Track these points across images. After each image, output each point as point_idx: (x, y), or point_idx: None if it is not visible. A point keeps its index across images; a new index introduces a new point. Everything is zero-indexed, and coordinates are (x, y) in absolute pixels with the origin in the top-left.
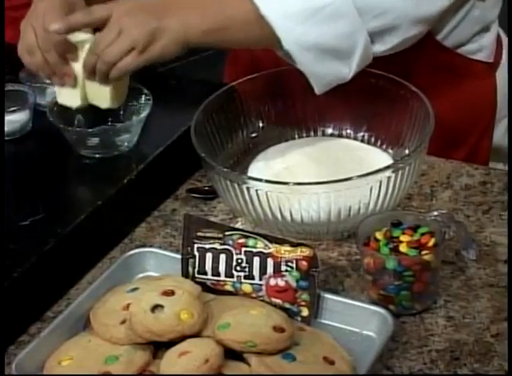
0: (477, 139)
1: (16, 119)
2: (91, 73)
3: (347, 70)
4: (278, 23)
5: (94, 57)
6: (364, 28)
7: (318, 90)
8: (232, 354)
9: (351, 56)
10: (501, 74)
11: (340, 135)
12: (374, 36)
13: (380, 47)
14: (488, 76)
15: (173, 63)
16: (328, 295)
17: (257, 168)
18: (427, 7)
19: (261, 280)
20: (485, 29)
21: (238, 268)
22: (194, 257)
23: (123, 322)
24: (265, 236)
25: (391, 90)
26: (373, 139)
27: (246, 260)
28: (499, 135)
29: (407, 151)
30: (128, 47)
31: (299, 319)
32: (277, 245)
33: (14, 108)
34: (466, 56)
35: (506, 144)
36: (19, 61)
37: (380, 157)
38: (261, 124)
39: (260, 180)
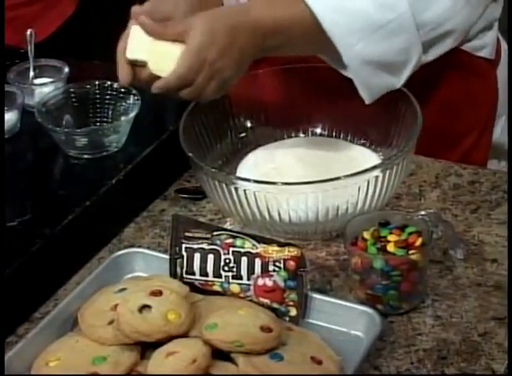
0: (478, 136)
1: (4, 119)
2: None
3: (397, 81)
4: (340, 39)
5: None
6: (420, 41)
7: (367, 100)
8: (219, 354)
9: (404, 68)
10: (500, 72)
11: (329, 135)
12: (427, 46)
13: (430, 56)
14: (490, 73)
15: None
16: (316, 295)
17: (246, 168)
18: (475, 15)
19: (249, 280)
20: (489, 26)
21: (226, 268)
22: (182, 257)
23: (110, 322)
24: (252, 236)
25: None
26: (361, 140)
27: (234, 260)
28: (497, 132)
29: (396, 151)
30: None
31: (287, 319)
32: (265, 245)
33: None
34: (471, 53)
35: (502, 141)
36: (7, 61)
37: (369, 157)
38: (249, 125)
39: (248, 180)
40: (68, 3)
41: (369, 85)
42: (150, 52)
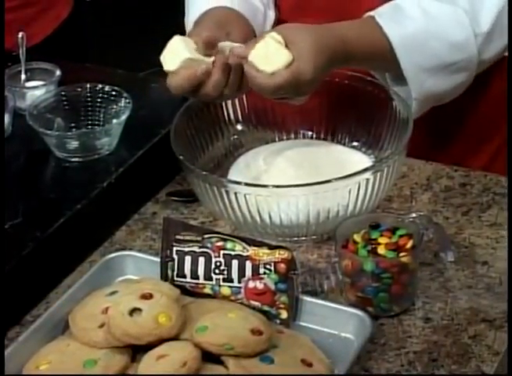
0: (502, 142)
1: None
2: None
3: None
4: (413, 77)
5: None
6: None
7: (415, 116)
8: (210, 357)
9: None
10: None
11: (320, 138)
12: None
13: None
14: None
15: (154, 67)
16: (307, 298)
17: (238, 170)
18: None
19: (239, 282)
20: None
21: (217, 271)
22: (173, 260)
23: (101, 325)
24: (243, 239)
25: (372, 93)
26: (353, 142)
27: (225, 263)
28: None
29: (387, 153)
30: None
31: (278, 321)
32: (255, 248)
33: None
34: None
35: None
36: None
37: (361, 160)
38: (240, 128)
39: (239, 183)
40: (63, 6)
41: (425, 108)
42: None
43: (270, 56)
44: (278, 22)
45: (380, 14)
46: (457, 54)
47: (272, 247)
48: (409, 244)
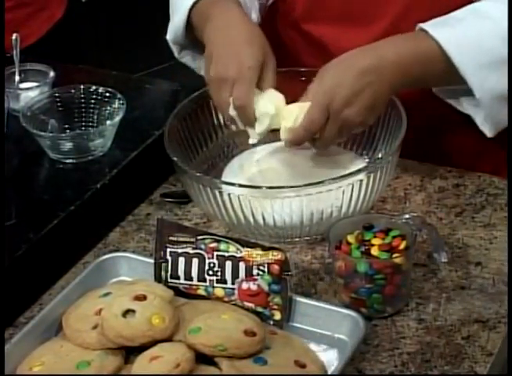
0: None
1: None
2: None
3: None
4: (471, 73)
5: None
6: None
7: (491, 133)
8: (203, 358)
9: None
10: None
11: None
12: None
13: None
14: None
15: (148, 69)
16: (300, 299)
17: (231, 172)
18: None
19: (233, 284)
20: None
21: (210, 272)
22: (167, 261)
23: (95, 327)
24: (236, 240)
25: None
26: (348, 144)
27: (219, 264)
28: None
29: (381, 154)
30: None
31: (271, 322)
32: (249, 249)
33: None
34: None
35: None
36: None
37: (355, 161)
38: (234, 129)
39: (232, 184)
40: (57, 7)
41: (497, 119)
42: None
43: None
44: (291, 25)
45: (426, 24)
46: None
47: (265, 249)
48: (403, 245)
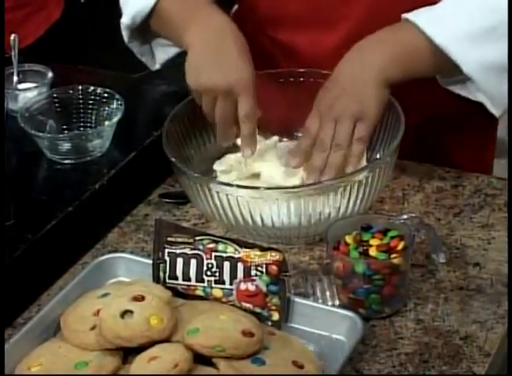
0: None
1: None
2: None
3: None
4: (454, 48)
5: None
6: None
7: (498, 113)
8: (201, 359)
9: None
10: None
11: None
12: None
13: None
14: None
15: (147, 69)
16: (298, 299)
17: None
18: None
19: (231, 284)
20: None
21: (208, 273)
22: (165, 262)
23: (93, 328)
24: (235, 241)
25: None
26: None
27: (217, 265)
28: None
29: (379, 155)
30: (349, 134)
31: (269, 323)
32: (247, 250)
33: None
34: None
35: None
36: None
37: None
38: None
39: (230, 185)
40: (54, 7)
41: (499, 95)
42: None
43: None
44: (259, 32)
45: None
46: (494, 17)
47: (263, 249)
48: (401, 246)
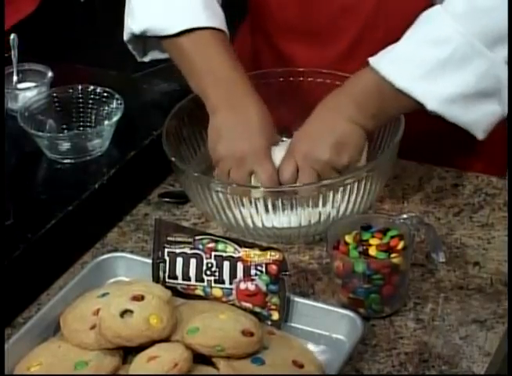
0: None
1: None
2: None
3: (500, 107)
4: (415, 89)
5: None
6: (501, 59)
7: (480, 136)
8: (201, 358)
9: (499, 91)
10: None
11: None
12: None
13: None
14: None
15: (147, 69)
16: (298, 299)
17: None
18: None
19: (231, 284)
20: None
21: (208, 272)
22: (165, 261)
23: (93, 327)
24: (234, 241)
25: None
26: None
27: (217, 264)
28: None
29: (379, 154)
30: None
31: (269, 323)
32: (247, 249)
33: None
34: None
35: None
36: None
37: None
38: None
39: (230, 184)
40: (25, 1)
41: (471, 122)
42: None
43: None
44: (265, 40)
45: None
46: (444, 48)
47: (263, 249)
48: (401, 245)
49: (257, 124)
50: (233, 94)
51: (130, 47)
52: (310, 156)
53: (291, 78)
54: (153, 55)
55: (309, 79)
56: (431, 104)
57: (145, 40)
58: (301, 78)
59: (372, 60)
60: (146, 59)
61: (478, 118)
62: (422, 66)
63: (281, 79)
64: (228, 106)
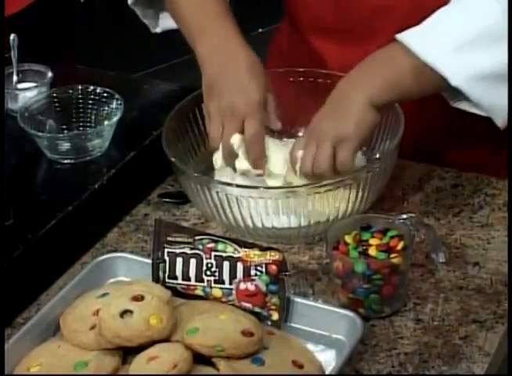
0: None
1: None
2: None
3: None
4: (439, 62)
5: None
6: None
7: (500, 123)
8: (201, 359)
9: None
10: None
11: None
12: None
13: None
14: None
15: (147, 69)
16: (298, 299)
17: (230, 172)
18: None
19: (231, 284)
20: None
21: (208, 272)
22: (164, 262)
23: (92, 327)
24: (234, 241)
25: None
26: None
27: (216, 264)
28: None
29: (378, 154)
30: (329, 158)
31: (269, 323)
32: (247, 249)
33: None
34: None
35: None
36: None
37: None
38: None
39: (230, 185)
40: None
41: (495, 105)
42: None
43: None
44: (299, 37)
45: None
46: (479, 22)
47: (263, 249)
48: (400, 245)
49: (249, 75)
50: (222, 45)
51: (139, 14)
52: (332, 133)
53: (291, 78)
54: (164, 24)
55: (310, 79)
56: (456, 80)
57: (153, 5)
58: (301, 78)
59: (398, 35)
60: (159, 29)
61: (501, 103)
62: (453, 39)
63: (280, 79)
64: (218, 59)
